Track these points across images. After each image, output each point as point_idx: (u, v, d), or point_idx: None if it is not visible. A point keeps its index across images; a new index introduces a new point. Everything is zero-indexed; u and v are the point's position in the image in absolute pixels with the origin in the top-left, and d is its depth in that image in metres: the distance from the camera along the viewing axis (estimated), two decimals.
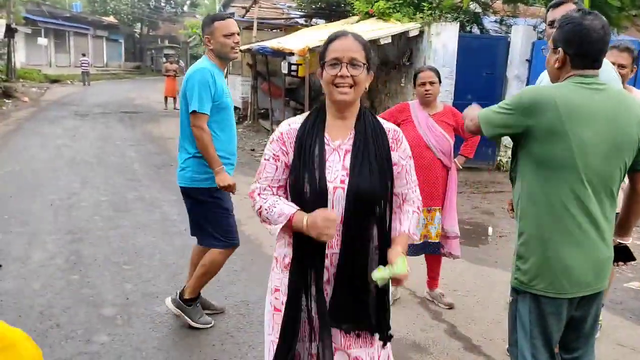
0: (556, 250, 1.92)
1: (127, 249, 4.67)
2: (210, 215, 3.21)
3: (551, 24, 2.73)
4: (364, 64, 1.79)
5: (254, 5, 14.29)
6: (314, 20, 15.25)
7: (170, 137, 11.39)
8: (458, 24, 9.25)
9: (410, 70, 9.54)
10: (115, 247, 4.71)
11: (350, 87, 1.79)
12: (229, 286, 4.00)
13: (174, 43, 46.50)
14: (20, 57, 25.26)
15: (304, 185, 1.79)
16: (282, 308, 1.84)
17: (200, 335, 3.26)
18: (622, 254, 2.26)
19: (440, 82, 3.62)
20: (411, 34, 9.13)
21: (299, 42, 10.31)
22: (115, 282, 3.97)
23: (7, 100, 16.36)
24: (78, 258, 4.39)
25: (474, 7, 10.32)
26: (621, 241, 2.21)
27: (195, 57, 37.75)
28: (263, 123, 13.69)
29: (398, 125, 3.64)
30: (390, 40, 8.99)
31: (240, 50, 14.58)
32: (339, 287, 1.81)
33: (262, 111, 13.89)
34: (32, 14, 27.16)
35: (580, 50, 1.91)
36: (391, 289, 3.02)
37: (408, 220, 1.95)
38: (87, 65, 26.34)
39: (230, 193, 3.21)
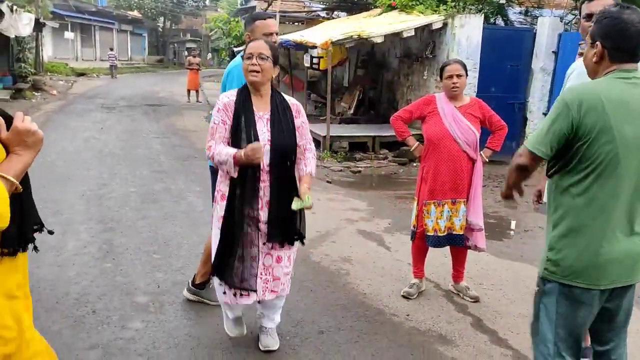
0: (593, 244, 1.94)
1: (156, 238, 4.79)
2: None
3: (586, 17, 2.71)
4: (268, 57, 2.69)
5: None
6: (335, 13, 15.23)
7: (193, 130, 11.53)
8: (482, 15, 9.17)
9: (433, 63, 9.50)
10: (145, 236, 4.83)
11: (258, 72, 2.68)
12: None
13: (195, 37, 46.81)
14: (47, 51, 25.74)
15: (242, 142, 2.66)
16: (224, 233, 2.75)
17: None
18: None
19: (467, 74, 3.64)
20: (434, 27, 9.08)
21: (321, 35, 10.33)
22: (146, 271, 4.08)
23: (36, 93, 16.72)
24: (110, 247, 4.53)
25: None
26: None
27: (216, 51, 37.96)
28: None
29: (424, 117, 3.67)
30: (413, 33, 8.96)
31: None
32: (271, 211, 2.74)
33: None
34: (59, 8, 27.59)
35: (618, 43, 1.92)
36: (416, 281, 3.75)
37: (310, 164, 2.88)
38: (114, 59, 27.49)
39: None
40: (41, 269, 3.98)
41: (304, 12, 16.30)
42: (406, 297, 3.76)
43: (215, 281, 2.87)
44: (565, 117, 1.89)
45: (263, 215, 2.75)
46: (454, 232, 3.65)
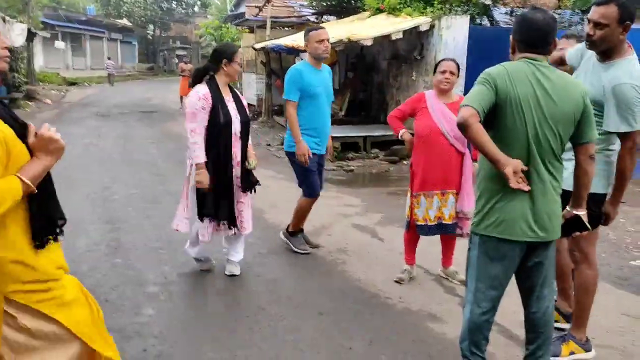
0: (504, 200, 2.33)
1: (161, 236, 5.03)
2: (299, 172, 4.51)
3: (589, 22, 3.04)
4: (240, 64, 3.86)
5: (266, 5, 14.61)
6: (325, 17, 15.51)
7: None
8: (468, 16, 9.47)
9: (422, 64, 9.79)
10: (150, 234, 5.07)
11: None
12: (258, 267, 4.34)
13: (185, 44, 47.01)
14: (38, 61, 25.87)
15: (220, 118, 3.70)
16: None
17: (234, 308, 3.61)
18: (576, 224, 2.54)
19: (458, 75, 3.87)
20: (422, 28, 9.36)
21: None
22: (154, 265, 4.33)
23: (30, 103, 16.89)
24: (119, 244, 4.77)
25: None
26: (575, 212, 2.51)
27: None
28: (277, 119, 13.99)
29: (415, 113, 3.93)
30: (401, 36, 9.24)
31: (254, 49, 14.92)
32: (242, 168, 3.86)
33: (276, 107, 14.20)
34: (49, 18, 27.76)
35: (523, 37, 2.35)
36: (408, 267, 4.15)
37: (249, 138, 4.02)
38: (112, 67, 29.11)
39: (304, 162, 4.39)
40: None
41: (294, 17, 16.59)
42: (398, 282, 4.03)
43: (202, 224, 3.86)
44: (488, 84, 2.29)
45: (236, 171, 3.86)
46: (444, 222, 3.90)
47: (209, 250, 4.25)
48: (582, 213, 2.52)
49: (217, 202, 3.80)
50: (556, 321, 3.27)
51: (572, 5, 8.07)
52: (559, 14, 10.59)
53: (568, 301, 3.34)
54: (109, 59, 30.02)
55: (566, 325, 3.27)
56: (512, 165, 2.21)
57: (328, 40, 4.29)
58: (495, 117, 2.31)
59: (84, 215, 5.59)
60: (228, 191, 3.84)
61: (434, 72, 3.91)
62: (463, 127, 2.22)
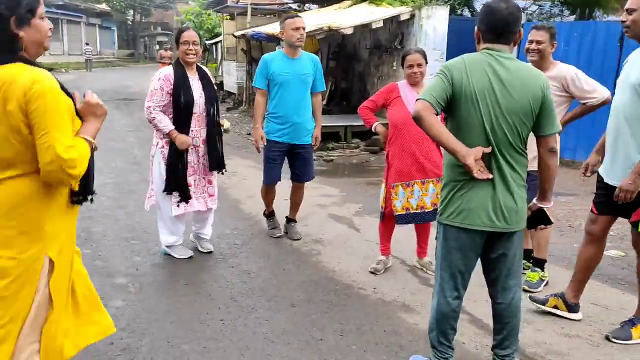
0: (464, 189, 2.35)
1: (133, 226, 4.94)
2: (263, 157, 4.64)
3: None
4: (198, 43, 4.00)
5: None
6: (307, 5, 15.38)
7: None
8: (448, 7, 9.47)
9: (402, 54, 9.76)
10: (123, 224, 4.98)
11: (195, 54, 3.95)
12: (232, 258, 4.28)
13: (167, 30, 46.32)
14: None
15: (182, 97, 3.88)
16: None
17: (206, 300, 3.55)
18: (539, 218, 2.55)
19: (427, 62, 3.84)
20: (402, 18, 9.34)
21: None
22: (125, 255, 4.25)
23: None
24: (89, 234, 4.67)
25: None
26: (541, 205, 2.53)
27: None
28: None
29: (389, 104, 3.89)
30: (382, 25, 9.21)
31: (235, 36, 14.76)
32: (209, 149, 4.08)
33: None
34: None
35: (487, 27, 2.34)
36: (383, 258, 4.12)
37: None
38: (90, 53, 29.49)
39: (257, 149, 4.64)
40: None
41: (276, 4, 16.41)
42: (373, 272, 4.01)
43: (169, 200, 4.03)
44: (444, 76, 2.30)
45: (202, 149, 4.07)
46: (426, 210, 3.88)
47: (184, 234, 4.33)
48: (547, 206, 2.53)
49: (176, 179, 3.99)
50: (557, 308, 3.38)
51: None
52: (539, 6, 10.65)
53: (576, 293, 3.37)
54: (87, 44, 30.06)
55: (567, 314, 3.36)
56: (472, 155, 2.22)
57: (303, 28, 4.33)
58: (452, 108, 2.32)
59: None
60: (184, 168, 4.01)
61: (402, 65, 3.87)
62: (417, 119, 2.24)
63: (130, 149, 8.75)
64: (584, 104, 3.63)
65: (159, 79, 3.90)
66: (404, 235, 4.34)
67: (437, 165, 3.80)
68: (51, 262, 1.99)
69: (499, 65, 2.29)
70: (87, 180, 2.06)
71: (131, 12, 45.31)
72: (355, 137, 9.83)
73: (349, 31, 9.11)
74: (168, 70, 3.95)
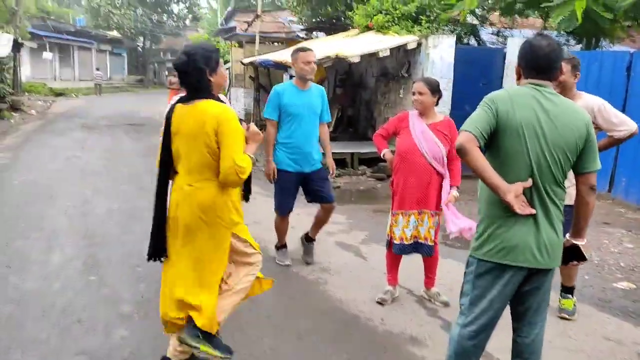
0: (506, 226, 2.28)
1: (139, 252, 4.89)
2: (275, 188, 4.70)
3: None
4: None
5: (255, 20, 14.66)
6: (314, 33, 15.60)
7: None
8: (455, 36, 9.55)
9: (409, 82, 9.82)
10: (129, 250, 4.96)
11: None
12: None
13: (175, 56, 46.93)
14: (25, 71, 25.65)
15: None
16: None
17: None
18: (575, 254, 2.50)
19: (433, 92, 3.78)
20: (409, 47, 9.41)
21: None
22: (130, 282, 4.22)
23: (14, 114, 16.68)
24: (94, 261, 4.65)
25: (471, 19, 10.62)
26: (575, 242, 2.48)
27: None
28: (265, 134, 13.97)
29: (399, 132, 3.89)
30: (388, 53, 9.28)
31: (243, 63, 14.90)
32: None
33: (265, 122, 14.16)
34: (37, 28, 27.57)
35: (529, 63, 2.35)
36: (390, 288, 4.09)
37: None
38: (100, 78, 30.48)
39: (270, 181, 4.64)
40: (27, 282, 4.09)
41: (284, 32, 16.66)
42: (380, 303, 3.96)
43: None
44: (488, 108, 2.28)
45: None
46: (420, 241, 3.86)
47: None
48: (582, 243, 2.49)
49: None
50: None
51: (557, 26, 8.17)
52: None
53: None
54: (97, 69, 30.66)
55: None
56: (513, 191, 2.18)
57: (315, 62, 4.44)
58: (496, 141, 2.28)
59: (60, 230, 5.47)
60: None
61: None
62: (461, 152, 2.19)
63: (139, 175, 8.77)
64: (610, 136, 3.57)
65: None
66: (412, 264, 4.29)
67: (433, 200, 3.79)
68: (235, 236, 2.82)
69: (544, 99, 2.28)
70: (248, 184, 2.86)
71: (141, 38, 46.07)
72: (362, 164, 9.83)
73: (356, 60, 9.19)
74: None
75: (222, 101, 2.75)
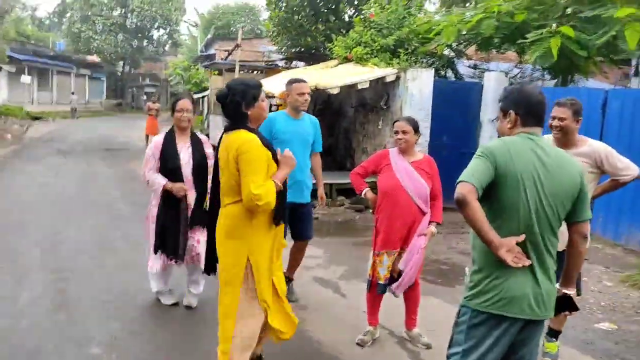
0: (504, 277, 2.25)
1: (112, 288, 4.77)
2: None
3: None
4: (192, 111, 4.28)
5: (235, 49, 14.72)
6: (294, 63, 15.70)
7: None
8: (433, 69, 9.70)
9: (388, 114, 9.91)
10: (101, 286, 4.80)
11: (188, 120, 4.23)
12: (215, 324, 4.11)
13: (155, 81, 46.89)
14: (2, 95, 25.30)
15: (168, 164, 4.17)
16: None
17: None
18: (566, 304, 2.48)
19: (415, 131, 3.81)
20: (388, 79, 9.51)
21: (279, 84, 10.63)
22: (101, 321, 4.06)
23: None
24: (64, 297, 4.48)
25: (449, 52, 10.82)
26: (566, 291, 2.46)
27: (174, 95, 38.08)
28: None
29: (380, 170, 3.88)
30: (367, 85, 9.37)
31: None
32: (195, 210, 4.15)
33: None
34: (16, 52, 27.32)
35: (527, 111, 2.34)
36: (371, 329, 4.01)
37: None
38: (76, 102, 30.83)
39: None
40: None
41: (264, 61, 16.75)
42: (360, 344, 3.87)
43: (152, 256, 4.28)
44: (487, 159, 2.25)
45: (188, 213, 4.20)
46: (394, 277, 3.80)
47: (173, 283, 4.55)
48: (572, 293, 2.47)
49: (163, 237, 4.20)
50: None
51: (532, 61, 8.38)
52: (520, 69, 10.97)
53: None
54: (72, 93, 31.33)
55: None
56: (505, 246, 2.16)
57: (309, 93, 4.51)
58: (494, 193, 2.26)
59: (31, 264, 5.28)
60: (174, 227, 4.18)
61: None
62: (461, 203, 2.16)
63: (114, 203, 8.60)
64: (615, 180, 3.61)
65: (150, 147, 4.30)
66: (393, 304, 4.23)
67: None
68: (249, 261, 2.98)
69: (540, 149, 2.28)
70: (277, 210, 2.96)
71: (121, 63, 45.94)
72: (340, 195, 9.80)
73: (335, 91, 9.24)
74: (159, 138, 4.31)
75: (253, 131, 2.99)
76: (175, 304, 4.42)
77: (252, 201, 2.78)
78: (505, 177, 2.22)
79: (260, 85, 3.06)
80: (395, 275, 3.80)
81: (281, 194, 2.95)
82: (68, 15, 41.70)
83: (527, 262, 2.20)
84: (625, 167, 3.54)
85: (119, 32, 41.56)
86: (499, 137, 2.46)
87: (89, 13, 39.79)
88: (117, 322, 4.05)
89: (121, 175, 11.51)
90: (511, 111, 2.36)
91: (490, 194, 2.25)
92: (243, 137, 2.89)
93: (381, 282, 3.80)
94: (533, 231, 2.25)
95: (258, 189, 2.79)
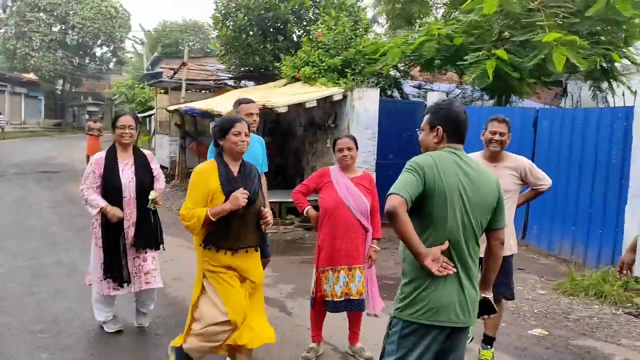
0: (432, 287, 2.31)
1: (43, 316, 4.48)
2: None
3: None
4: (135, 127, 4.16)
5: (182, 67, 14.51)
6: (242, 82, 15.63)
7: None
8: (379, 89, 9.88)
9: (335, 132, 9.97)
10: (31, 315, 4.51)
11: (130, 136, 4.12)
12: (153, 350, 3.94)
13: (98, 100, 45.47)
14: None
15: (109, 182, 4.03)
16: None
17: None
18: (485, 307, 2.56)
19: (357, 147, 3.87)
20: (335, 98, 9.61)
21: (227, 103, 10.53)
22: (30, 352, 3.80)
23: None
24: None
25: (394, 73, 11.08)
26: (484, 295, 2.55)
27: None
28: None
29: (321, 188, 3.87)
30: (315, 104, 9.42)
31: (168, 111, 14.64)
32: (137, 229, 4.09)
33: (190, 170, 13.82)
34: None
35: (454, 128, 2.44)
36: (314, 345, 3.95)
37: (159, 182, 4.32)
38: (3, 122, 29.12)
39: None
40: None
41: (212, 80, 16.57)
42: None
43: (99, 285, 4.12)
44: (416, 174, 2.30)
45: (130, 231, 4.10)
46: (352, 297, 3.78)
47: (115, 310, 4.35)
48: (490, 296, 2.56)
49: (110, 262, 4.05)
50: None
51: (470, 81, 8.72)
52: (461, 89, 11.35)
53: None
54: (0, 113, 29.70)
55: None
56: (430, 256, 2.21)
57: (257, 114, 4.45)
58: (421, 206, 2.30)
59: None
60: (117, 251, 4.06)
61: (333, 149, 3.90)
62: (392, 214, 2.18)
63: (49, 228, 8.18)
64: (535, 189, 3.94)
65: (91, 163, 4.13)
66: (336, 320, 4.19)
67: (363, 254, 3.80)
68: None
69: (463, 163, 2.38)
70: (207, 235, 3.18)
71: (61, 81, 44.24)
72: (289, 213, 9.74)
73: (284, 110, 9.24)
74: (100, 155, 4.15)
75: (222, 164, 3.28)
76: (120, 331, 4.19)
77: (182, 221, 3.15)
78: (433, 191, 2.29)
79: (236, 120, 3.24)
80: (353, 296, 3.77)
81: (219, 227, 3.14)
82: (2, 31, 39.74)
83: (452, 271, 2.27)
84: (543, 177, 3.91)
85: (58, 49, 39.99)
86: (420, 147, 2.56)
87: (26, 29, 38.18)
88: (46, 353, 3.80)
89: (58, 199, 11.00)
90: (439, 127, 2.44)
91: (419, 207, 2.30)
92: (201, 165, 3.29)
93: (328, 299, 3.75)
94: (459, 241, 2.32)
95: (184, 210, 3.14)
